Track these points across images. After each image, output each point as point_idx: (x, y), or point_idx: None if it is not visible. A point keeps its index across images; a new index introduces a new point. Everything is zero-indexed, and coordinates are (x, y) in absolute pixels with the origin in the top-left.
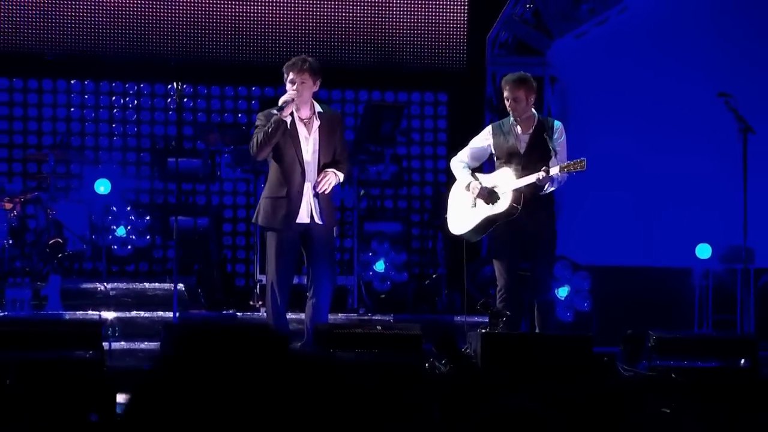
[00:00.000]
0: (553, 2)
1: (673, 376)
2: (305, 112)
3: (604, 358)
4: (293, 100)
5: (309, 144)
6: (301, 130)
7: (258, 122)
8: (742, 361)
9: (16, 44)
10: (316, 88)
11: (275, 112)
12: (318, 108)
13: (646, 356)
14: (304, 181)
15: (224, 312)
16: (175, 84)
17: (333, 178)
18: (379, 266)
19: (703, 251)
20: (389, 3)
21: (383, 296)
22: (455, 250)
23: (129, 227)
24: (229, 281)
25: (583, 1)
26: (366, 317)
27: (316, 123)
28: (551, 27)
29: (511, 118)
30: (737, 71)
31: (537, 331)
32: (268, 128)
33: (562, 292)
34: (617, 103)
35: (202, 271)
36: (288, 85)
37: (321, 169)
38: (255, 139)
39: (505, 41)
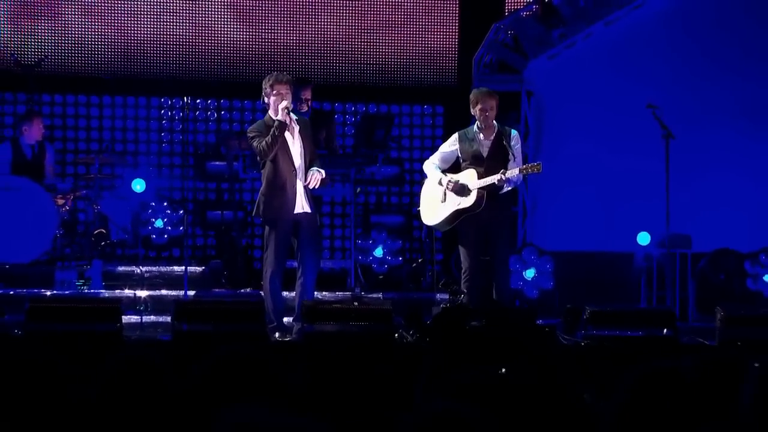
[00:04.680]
0: (529, 29)
1: (605, 343)
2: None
3: (546, 328)
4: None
5: (295, 145)
6: (287, 134)
7: (253, 132)
8: (665, 330)
9: (81, 68)
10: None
11: (278, 118)
12: (293, 116)
13: (583, 327)
14: (296, 177)
15: (243, 290)
16: (184, 98)
17: (318, 175)
18: (378, 252)
19: (643, 238)
20: (395, 32)
21: (381, 277)
22: (444, 239)
23: (165, 220)
24: (250, 264)
25: (555, 28)
26: (360, 295)
27: (296, 128)
28: (527, 50)
29: (475, 127)
30: (683, 85)
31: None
32: (275, 131)
33: (529, 273)
34: (583, 113)
35: (227, 255)
36: (278, 97)
37: (307, 165)
38: (264, 144)
39: (489, 62)
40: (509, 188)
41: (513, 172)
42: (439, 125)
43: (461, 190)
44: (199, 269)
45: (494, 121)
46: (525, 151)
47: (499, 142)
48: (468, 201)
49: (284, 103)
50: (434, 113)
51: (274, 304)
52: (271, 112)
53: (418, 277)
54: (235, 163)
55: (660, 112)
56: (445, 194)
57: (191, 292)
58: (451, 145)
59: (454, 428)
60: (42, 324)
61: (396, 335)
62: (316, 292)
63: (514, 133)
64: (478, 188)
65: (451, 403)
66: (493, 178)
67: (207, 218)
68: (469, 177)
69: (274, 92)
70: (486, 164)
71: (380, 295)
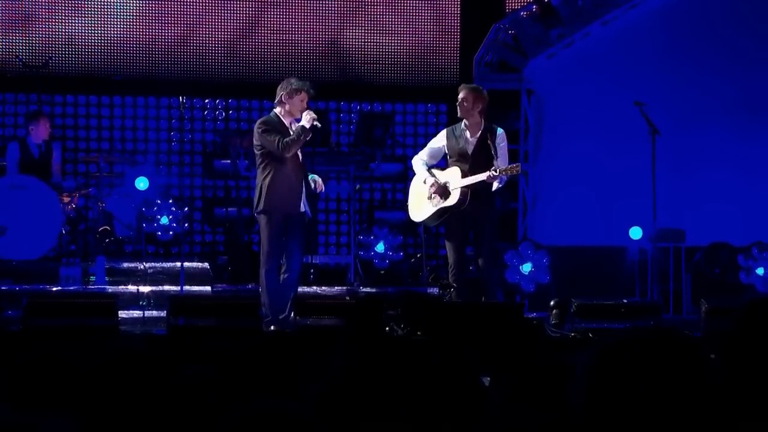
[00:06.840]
0: (529, 29)
1: (590, 336)
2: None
3: (533, 321)
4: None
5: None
6: None
7: (269, 126)
8: (651, 322)
9: (91, 68)
10: None
11: (304, 124)
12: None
13: (570, 320)
14: (301, 177)
15: (247, 286)
16: (180, 98)
17: (321, 181)
18: (380, 247)
19: (635, 233)
20: (399, 33)
21: (382, 272)
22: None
23: (171, 217)
24: (254, 260)
25: (553, 27)
26: (357, 290)
27: None
28: (527, 49)
29: (462, 124)
30: (679, 82)
31: (483, 299)
32: (300, 135)
33: (526, 267)
34: (581, 111)
35: (232, 251)
36: (303, 103)
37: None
38: (289, 140)
39: (489, 61)
40: (500, 186)
41: (497, 172)
42: (442, 123)
43: (443, 191)
44: (202, 265)
45: (482, 119)
46: (525, 148)
47: (485, 140)
48: (452, 199)
49: (313, 114)
50: (437, 111)
51: (270, 299)
52: (282, 111)
53: (417, 272)
54: (238, 161)
55: (647, 108)
56: (432, 193)
57: (196, 288)
58: (439, 141)
59: (276, 425)
60: (40, 319)
61: (387, 328)
62: (315, 287)
63: (500, 131)
64: (462, 187)
65: (273, 401)
66: (481, 176)
67: (214, 215)
68: (452, 175)
69: (300, 99)
70: (471, 162)
71: (376, 289)
